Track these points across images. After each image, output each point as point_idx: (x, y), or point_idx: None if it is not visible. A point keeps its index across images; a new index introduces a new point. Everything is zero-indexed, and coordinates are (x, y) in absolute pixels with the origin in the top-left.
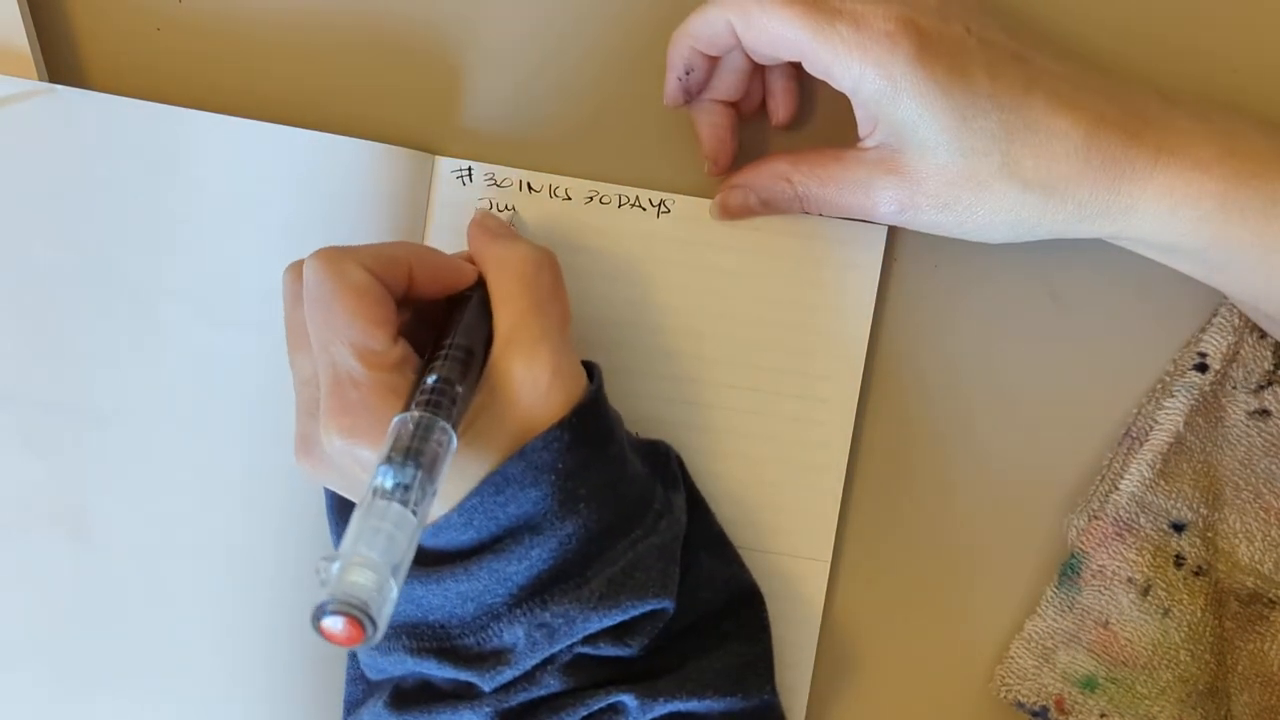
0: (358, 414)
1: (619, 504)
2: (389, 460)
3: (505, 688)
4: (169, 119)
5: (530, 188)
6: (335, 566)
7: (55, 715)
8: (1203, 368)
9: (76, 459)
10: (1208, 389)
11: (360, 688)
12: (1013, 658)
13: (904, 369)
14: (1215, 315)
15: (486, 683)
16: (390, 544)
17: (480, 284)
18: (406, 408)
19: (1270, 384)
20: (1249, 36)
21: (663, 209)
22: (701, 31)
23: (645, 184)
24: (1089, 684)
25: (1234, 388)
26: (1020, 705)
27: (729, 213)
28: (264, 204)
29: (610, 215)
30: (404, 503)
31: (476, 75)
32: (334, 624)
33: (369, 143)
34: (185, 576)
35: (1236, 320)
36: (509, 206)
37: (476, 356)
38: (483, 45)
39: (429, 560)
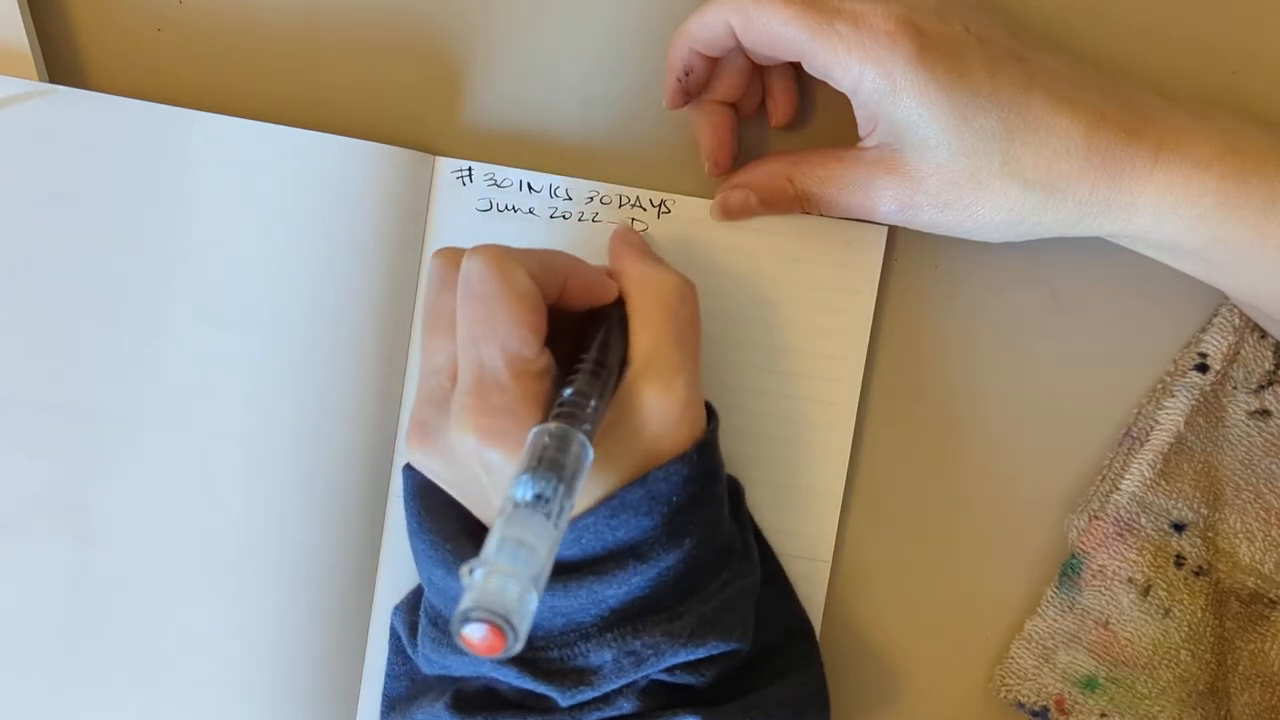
0: (498, 417)
1: (716, 543)
2: (530, 470)
3: (581, 706)
4: (169, 119)
5: (530, 188)
6: (478, 574)
7: (57, 715)
8: (1203, 368)
9: (77, 460)
10: (1208, 389)
11: (404, 684)
12: (1013, 658)
13: (904, 369)
14: (1216, 315)
15: (564, 699)
16: (532, 555)
17: (619, 302)
18: (545, 418)
19: (1271, 384)
20: (1248, 37)
21: (663, 209)
22: (701, 33)
23: (645, 184)
24: (1089, 684)
25: (1234, 388)
26: (1020, 705)
27: (729, 213)
28: (264, 204)
29: (611, 215)
30: (545, 514)
31: (476, 75)
32: (476, 632)
33: (369, 143)
34: (187, 577)
35: (1237, 320)
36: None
37: (612, 375)
38: (483, 45)
39: None
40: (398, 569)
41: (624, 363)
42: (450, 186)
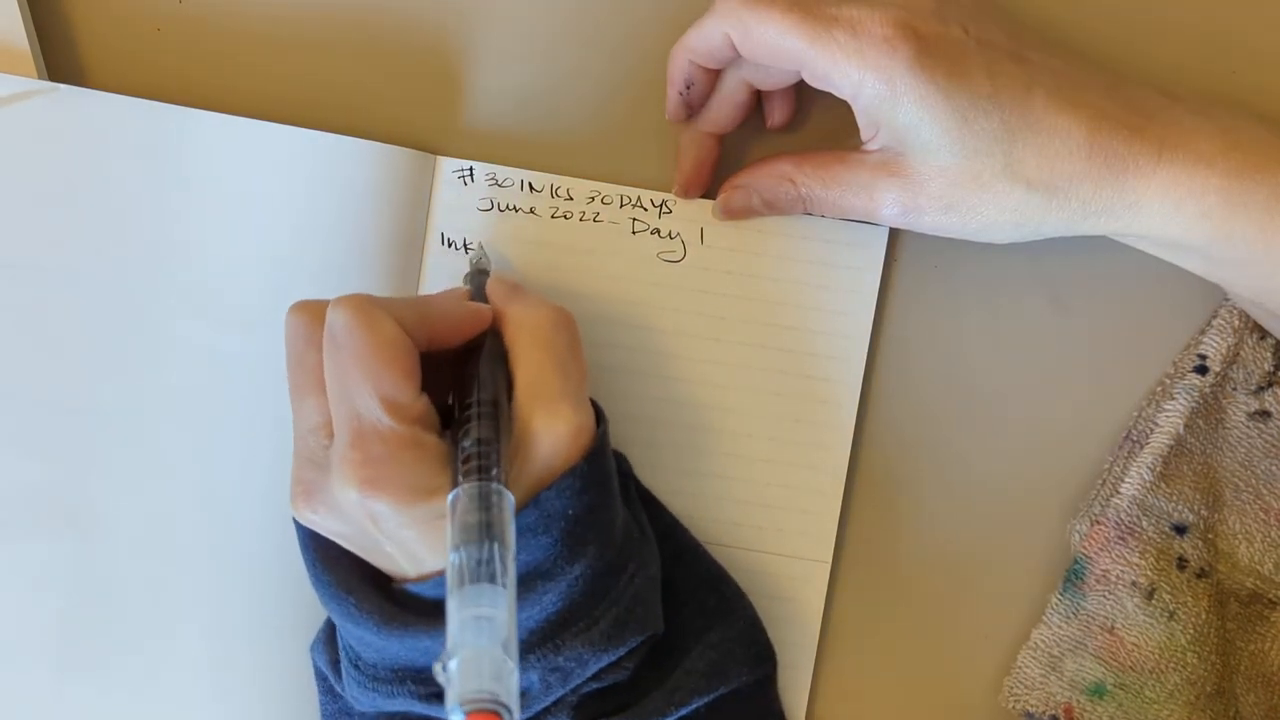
0: (380, 466)
1: (617, 540)
2: (463, 542)
3: None
4: (169, 118)
5: (532, 187)
6: (453, 665)
7: (56, 713)
8: (1203, 369)
9: (77, 460)
10: (1208, 391)
11: None
12: (1020, 667)
13: (905, 370)
14: (1215, 317)
15: None
16: (492, 625)
17: (494, 334)
18: (453, 474)
19: (1270, 385)
20: (1249, 35)
21: (664, 209)
22: (699, 45)
23: (647, 184)
24: (1097, 691)
25: (1234, 389)
26: (1029, 716)
27: (731, 213)
28: (264, 204)
29: (612, 215)
30: (491, 579)
31: (478, 75)
32: None
33: (370, 143)
34: (187, 576)
35: (1236, 321)
36: (478, 244)
37: (504, 409)
38: (484, 45)
39: (437, 611)
40: None
41: (509, 396)
42: (452, 186)
